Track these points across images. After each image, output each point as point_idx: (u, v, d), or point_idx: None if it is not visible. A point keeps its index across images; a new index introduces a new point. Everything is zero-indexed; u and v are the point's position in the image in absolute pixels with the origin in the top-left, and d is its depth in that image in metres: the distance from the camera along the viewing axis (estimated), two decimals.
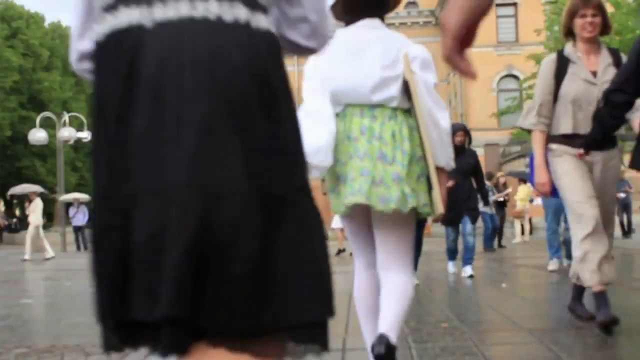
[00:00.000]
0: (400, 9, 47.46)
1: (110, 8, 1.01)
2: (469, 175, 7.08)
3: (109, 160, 0.98)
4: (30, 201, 14.94)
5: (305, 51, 1.23)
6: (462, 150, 6.77)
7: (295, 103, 1.07)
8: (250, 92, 0.97)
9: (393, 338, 2.27)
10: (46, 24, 43.14)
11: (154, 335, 0.91)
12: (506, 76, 33.44)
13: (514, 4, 33.54)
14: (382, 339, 2.23)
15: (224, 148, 0.93)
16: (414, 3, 40.12)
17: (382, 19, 2.43)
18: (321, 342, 0.99)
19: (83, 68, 1.20)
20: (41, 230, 14.48)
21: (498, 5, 33.86)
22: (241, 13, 0.99)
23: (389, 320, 2.30)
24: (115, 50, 0.98)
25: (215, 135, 0.93)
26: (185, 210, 0.90)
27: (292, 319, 0.95)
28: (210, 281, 0.90)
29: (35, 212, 14.40)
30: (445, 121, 2.32)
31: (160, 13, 0.97)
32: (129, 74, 0.96)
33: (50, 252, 14.25)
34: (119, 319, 0.95)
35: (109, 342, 0.99)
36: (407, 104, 2.32)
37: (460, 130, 6.93)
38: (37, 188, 17.32)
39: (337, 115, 2.35)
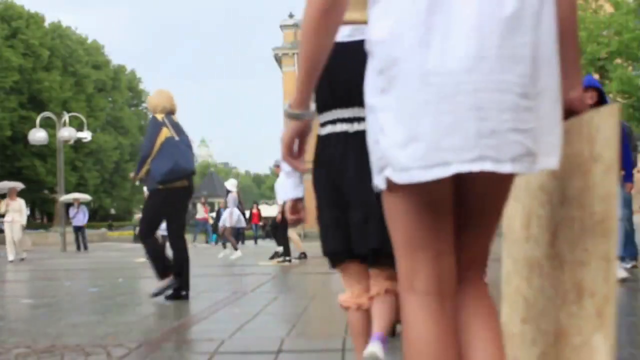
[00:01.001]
0: None
1: (331, 123, 2.35)
2: None
3: (332, 186, 2.34)
4: (10, 199, 14.25)
5: None
6: None
7: None
8: None
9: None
10: (46, 24, 43.14)
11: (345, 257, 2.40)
12: None
13: None
14: None
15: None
16: None
17: None
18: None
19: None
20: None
21: None
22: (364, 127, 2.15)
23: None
24: (335, 141, 2.33)
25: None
26: (375, 213, 2.11)
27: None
28: (373, 236, 2.29)
29: (20, 211, 14.13)
30: None
31: (357, 127, 2.29)
32: (343, 152, 2.31)
33: (11, 256, 13.79)
34: (345, 250, 2.36)
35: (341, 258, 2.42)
36: None
37: None
38: (18, 184, 16.24)
39: None
